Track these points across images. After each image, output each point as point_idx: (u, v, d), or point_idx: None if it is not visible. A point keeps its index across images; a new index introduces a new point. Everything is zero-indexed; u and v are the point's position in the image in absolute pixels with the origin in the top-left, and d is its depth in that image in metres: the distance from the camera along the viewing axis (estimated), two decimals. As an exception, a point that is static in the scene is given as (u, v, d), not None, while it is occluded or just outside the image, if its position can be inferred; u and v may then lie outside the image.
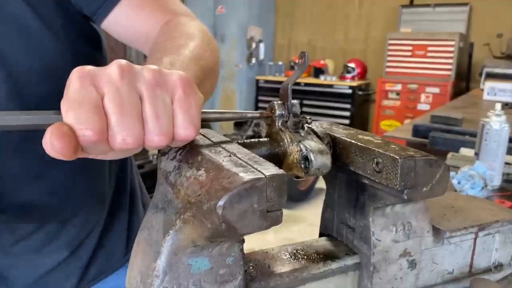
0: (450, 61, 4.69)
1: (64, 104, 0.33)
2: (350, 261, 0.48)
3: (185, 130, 0.37)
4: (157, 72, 0.37)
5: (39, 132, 0.34)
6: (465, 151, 1.63)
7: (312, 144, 0.44)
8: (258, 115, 0.46)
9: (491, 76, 3.84)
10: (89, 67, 0.35)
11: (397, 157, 0.40)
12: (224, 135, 0.45)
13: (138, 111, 0.35)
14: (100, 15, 0.70)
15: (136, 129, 0.34)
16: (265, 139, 0.46)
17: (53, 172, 0.72)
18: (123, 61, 0.36)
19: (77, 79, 0.34)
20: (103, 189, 0.83)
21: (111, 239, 0.85)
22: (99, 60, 0.78)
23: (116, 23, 0.71)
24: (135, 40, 0.73)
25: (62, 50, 0.68)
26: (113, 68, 0.35)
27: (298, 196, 3.72)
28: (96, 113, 0.33)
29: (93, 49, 0.77)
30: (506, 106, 2.72)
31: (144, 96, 0.35)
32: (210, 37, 0.68)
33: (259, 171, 0.34)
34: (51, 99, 0.68)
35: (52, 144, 0.32)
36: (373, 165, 0.43)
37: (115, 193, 0.86)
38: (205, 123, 0.42)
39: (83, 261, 0.80)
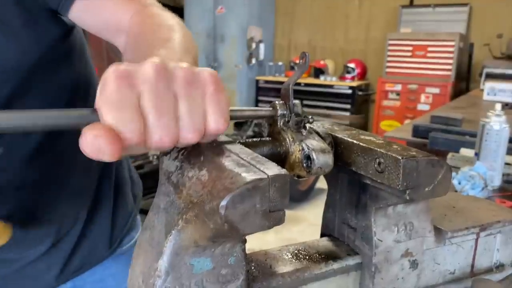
0: (450, 61, 4.69)
1: (103, 106, 0.33)
2: (351, 261, 0.48)
3: (216, 124, 0.37)
4: (189, 70, 0.37)
5: None
6: (465, 152, 1.63)
7: (314, 143, 0.44)
8: (269, 112, 0.46)
9: (491, 76, 3.85)
10: (124, 66, 0.35)
11: (399, 157, 0.40)
12: (225, 135, 0.45)
13: (173, 110, 0.35)
14: (64, 5, 0.69)
15: (172, 127, 0.35)
16: (267, 138, 0.46)
17: (15, 165, 0.71)
18: (157, 60, 0.36)
19: (114, 79, 0.34)
20: (82, 182, 0.82)
21: (94, 231, 0.85)
22: (71, 56, 0.77)
23: (83, 13, 0.70)
24: (104, 29, 0.72)
25: (24, 50, 0.67)
26: (148, 67, 0.35)
27: (298, 196, 3.72)
28: (136, 114, 0.34)
29: (63, 45, 0.75)
30: (506, 106, 2.72)
31: (178, 94, 0.36)
32: (185, 27, 0.68)
33: (262, 171, 0.34)
34: (17, 98, 0.67)
35: (100, 147, 0.32)
36: (375, 165, 0.43)
37: (98, 185, 0.85)
38: None
39: (66, 252, 0.81)
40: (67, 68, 0.77)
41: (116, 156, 0.33)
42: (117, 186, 0.90)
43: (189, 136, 0.36)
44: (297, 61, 0.49)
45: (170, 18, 0.68)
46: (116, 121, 0.33)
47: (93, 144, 0.32)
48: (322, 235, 0.55)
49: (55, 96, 0.74)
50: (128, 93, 0.34)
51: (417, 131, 2.08)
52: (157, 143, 0.35)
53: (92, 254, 0.85)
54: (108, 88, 0.34)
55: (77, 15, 0.70)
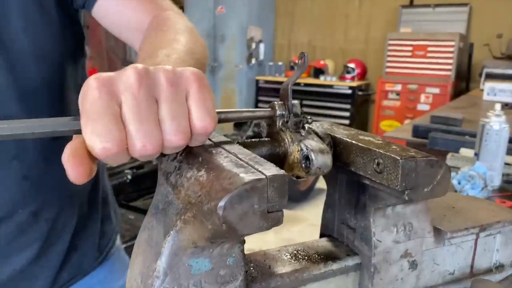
0: (450, 61, 4.70)
1: (83, 116, 0.33)
2: (350, 261, 0.48)
3: (202, 122, 0.36)
4: (171, 72, 0.36)
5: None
6: (465, 152, 1.63)
7: (312, 143, 0.43)
8: (268, 113, 0.46)
9: (491, 76, 3.85)
10: (105, 74, 0.35)
11: (398, 157, 0.40)
12: (225, 136, 0.45)
13: (154, 116, 0.35)
14: (90, 1, 0.72)
15: (154, 133, 0.34)
16: (266, 139, 0.46)
17: (29, 154, 0.72)
18: (139, 66, 0.35)
19: (95, 88, 0.33)
20: (76, 187, 0.82)
21: (83, 241, 0.84)
22: (79, 53, 0.80)
23: (107, 10, 0.72)
24: (125, 28, 0.74)
25: (54, 35, 0.70)
26: (130, 74, 0.34)
27: (298, 196, 3.72)
28: (115, 124, 0.33)
29: (77, 42, 0.79)
30: (506, 106, 2.72)
31: (160, 98, 0.35)
32: (197, 34, 0.68)
33: (260, 171, 0.34)
34: (46, 82, 0.69)
35: (70, 170, 0.33)
36: (374, 166, 0.42)
37: (89, 194, 0.86)
38: None
39: (55, 264, 0.79)
40: (81, 72, 0.80)
41: (86, 179, 0.33)
42: (103, 200, 0.90)
43: (173, 139, 0.35)
44: (296, 61, 0.49)
45: (181, 22, 0.69)
46: (93, 131, 0.33)
47: (68, 163, 0.33)
48: (321, 236, 0.55)
49: (71, 97, 0.76)
50: (108, 103, 0.33)
51: (417, 131, 2.08)
52: (140, 151, 0.34)
53: (81, 267, 0.84)
54: (88, 98, 0.33)
55: (102, 11, 0.73)
